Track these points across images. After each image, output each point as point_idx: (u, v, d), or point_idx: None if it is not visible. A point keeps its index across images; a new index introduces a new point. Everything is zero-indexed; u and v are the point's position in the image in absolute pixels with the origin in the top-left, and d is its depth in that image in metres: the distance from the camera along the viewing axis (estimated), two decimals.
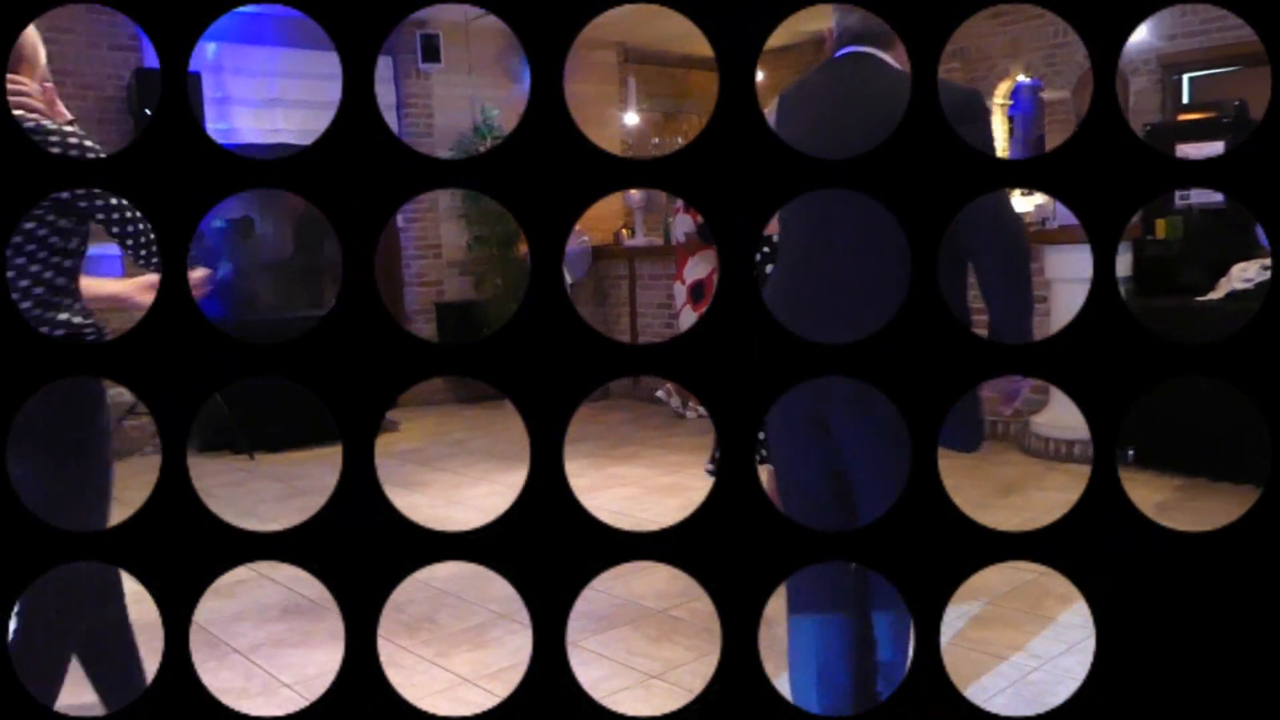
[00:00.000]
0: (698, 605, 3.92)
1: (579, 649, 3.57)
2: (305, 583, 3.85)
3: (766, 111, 1.61)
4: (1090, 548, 1.27)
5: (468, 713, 3.18)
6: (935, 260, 1.24)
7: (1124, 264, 6.22)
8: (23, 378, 1.13)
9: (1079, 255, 5.77)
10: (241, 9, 1.17)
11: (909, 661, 2.63)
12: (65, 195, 2.27)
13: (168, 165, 1.14)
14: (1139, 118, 8.60)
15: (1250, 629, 1.27)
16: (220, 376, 1.17)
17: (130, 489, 2.53)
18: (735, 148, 1.19)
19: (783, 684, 2.64)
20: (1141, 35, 8.37)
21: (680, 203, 7.29)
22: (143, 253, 2.40)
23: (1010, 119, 10.88)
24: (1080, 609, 3.56)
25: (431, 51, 9.17)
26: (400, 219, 9.31)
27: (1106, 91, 1.20)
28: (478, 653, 3.66)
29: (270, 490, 6.19)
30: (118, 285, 2.67)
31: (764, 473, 3.48)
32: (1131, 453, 5.65)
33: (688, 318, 7.87)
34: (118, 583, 2.62)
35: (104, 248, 2.66)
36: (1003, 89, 10.37)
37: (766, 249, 4.06)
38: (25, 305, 2.32)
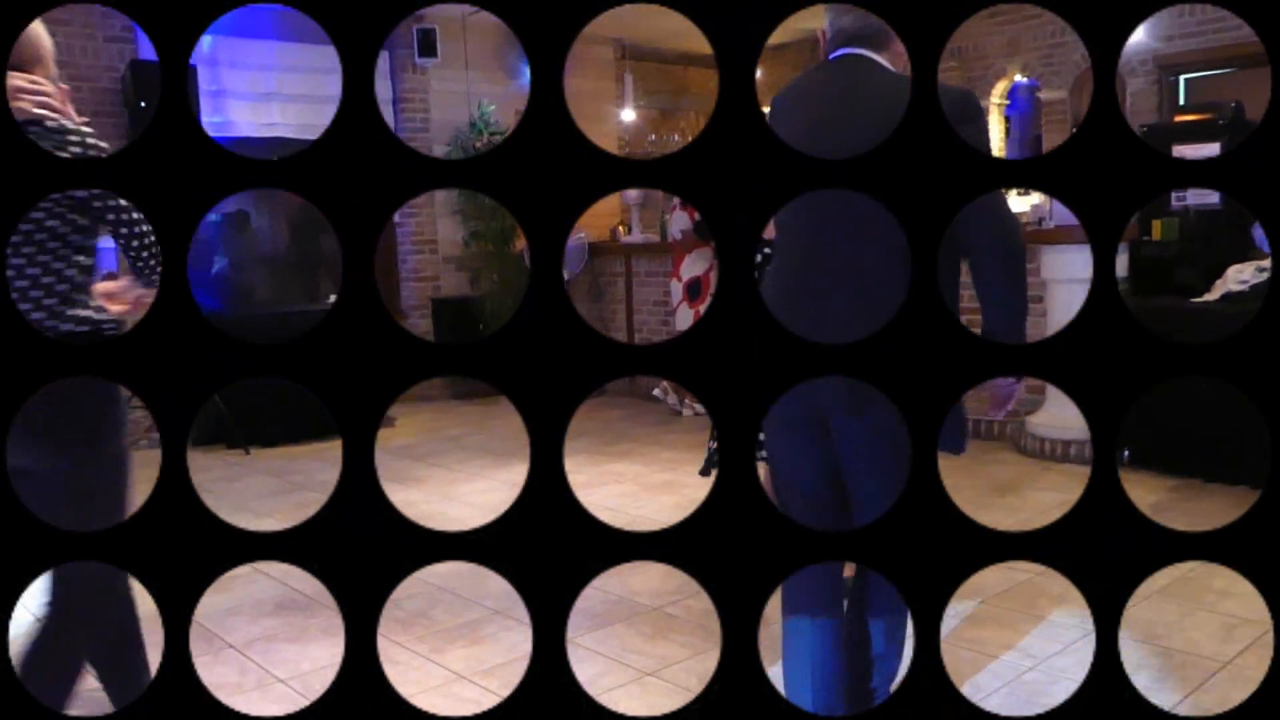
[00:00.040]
0: (693, 602, 3.92)
1: (574, 646, 3.57)
2: (300, 578, 3.85)
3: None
4: (1090, 548, 1.27)
5: (463, 708, 3.19)
6: (935, 260, 1.24)
7: (1120, 265, 6.22)
8: (23, 378, 1.13)
9: (1076, 255, 5.78)
10: None
11: (902, 656, 2.66)
12: (83, 194, 2.28)
13: (167, 165, 1.13)
14: (1136, 118, 8.61)
15: None
16: (220, 376, 1.17)
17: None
18: (735, 148, 1.19)
19: (776, 678, 2.65)
20: (1139, 36, 8.37)
21: (677, 200, 7.31)
22: (141, 263, 2.42)
23: (1007, 119, 10.89)
24: (1074, 608, 3.57)
25: (428, 46, 9.15)
26: (397, 214, 9.30)
27: (1106, 91, 1.20)
28: (473, 649, 3.66)
29: (265, 485, 6.18)
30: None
31: (760, 469, 3.48)
32: (1127, 453, 5.66)
33: (684, 315, 7.87)
34: (125, 578, 2.62)
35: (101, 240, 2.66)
36: (1000, 88, 10.38)
37: (767, 250, 4.06)
38: (50, 302, 2.33)
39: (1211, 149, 6.37)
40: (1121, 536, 1.27)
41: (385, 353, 1.17)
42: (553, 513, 1.20)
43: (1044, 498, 5.32)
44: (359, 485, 1.18)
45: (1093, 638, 1.29)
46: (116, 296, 2.41)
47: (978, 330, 2.43)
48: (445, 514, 5.43)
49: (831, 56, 2.57)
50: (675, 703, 3.17)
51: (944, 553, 1.26)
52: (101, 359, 1.17)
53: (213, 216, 8.27)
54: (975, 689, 3.18)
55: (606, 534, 1.21)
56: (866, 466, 2.55)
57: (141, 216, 2.35)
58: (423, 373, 1.18)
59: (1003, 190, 2.72)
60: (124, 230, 2.37)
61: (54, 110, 2.31)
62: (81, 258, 2.37)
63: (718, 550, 1.23)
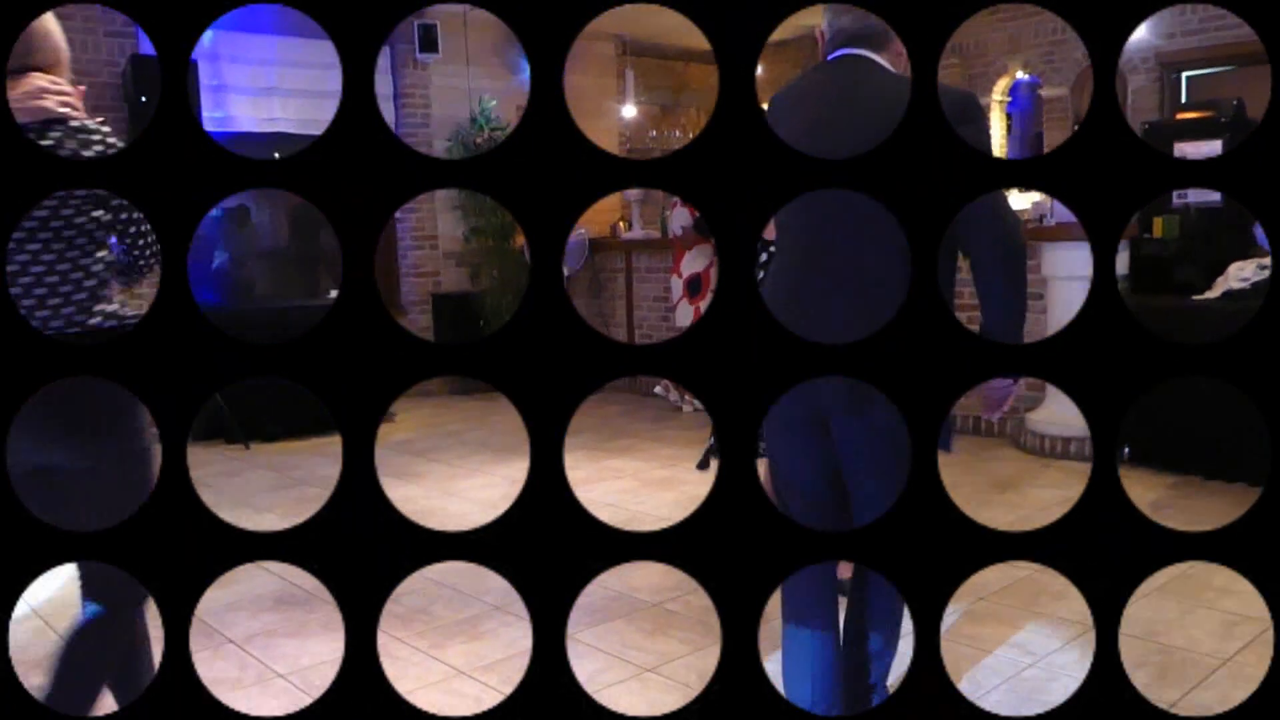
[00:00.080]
0: (692, 599, 3.92)
1: (574, 642, 3.57)
2: (299, 573, 3.86)
3: None
4: (1090, 548, 1.27)
5: (463, 704, 3.19)
6: (935, 260, 1.24)
7: (1121, 263, 6.22)
8: (23, 378, 1.12)
9: (1077, 252, 5.77)
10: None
11: (897, 650, 2.66)
12: (102, 190, 2.31)
13: (167, 165, 1.13)
14: (1137, 116, 8.61)
15: None
16: (220, 376, 1.17)
17: None
18: (735, 148, 1.18)
19: (773, 673, 2.67)
20: (1141, 33, 8.37)
21: (677, 196, 7.30)
22: (143, 260, 2.45)
23: (1008, 116, 10.89)
24: (1074, 605, 3.58)
25: (429, 42, 9.15)
26: (397, 210, 9.29)
27: (1106, 91, 1.20)
28: (472, 645, 3.66)
29: (265, 480, 6.18)
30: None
31: (760, 468, 3.48)
32: (1127, 451, 5.66)
33: (684, 311, 7.88)
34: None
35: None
36: (1001, 86, 10.38)
37: (772, 249, 4.07)
38: (80, 297, 2.35)
39: (1213, 146, 6.36)
40: (1121, 536, 1.27)
41: (385, 352, 1.17)
42: (552, 513, 1.20)
43: (1044, 495, 5.33)
44: (359, 485, 1.18)
45: (1092, 635, 1.29)
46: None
47: (976, 328, 2.43)
48: (445, 509, 5.43)
49: (830, 57, 2.56)
50: (675, 699, 3.18)
51: (944, 553, 1.26)
52: (101, 359, 1.17)
53: (213, 212, 8.24)
54: (975, 686, 3.18)
55: (606, 534, 1.21)
56: (866, 466, 2.55)
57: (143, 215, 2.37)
58: (422, 372, 1.18)
59: (1003, 189, 2.72)
60: (132, 229, 2.39)
61: (76, 110, 2.34)
62: (104, 253, 2.39)
63: (717, 550, 1.23)
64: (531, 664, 1.21)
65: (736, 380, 1.21)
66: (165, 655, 1.19)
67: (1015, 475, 5.75)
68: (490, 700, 3.21)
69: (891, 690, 2.66)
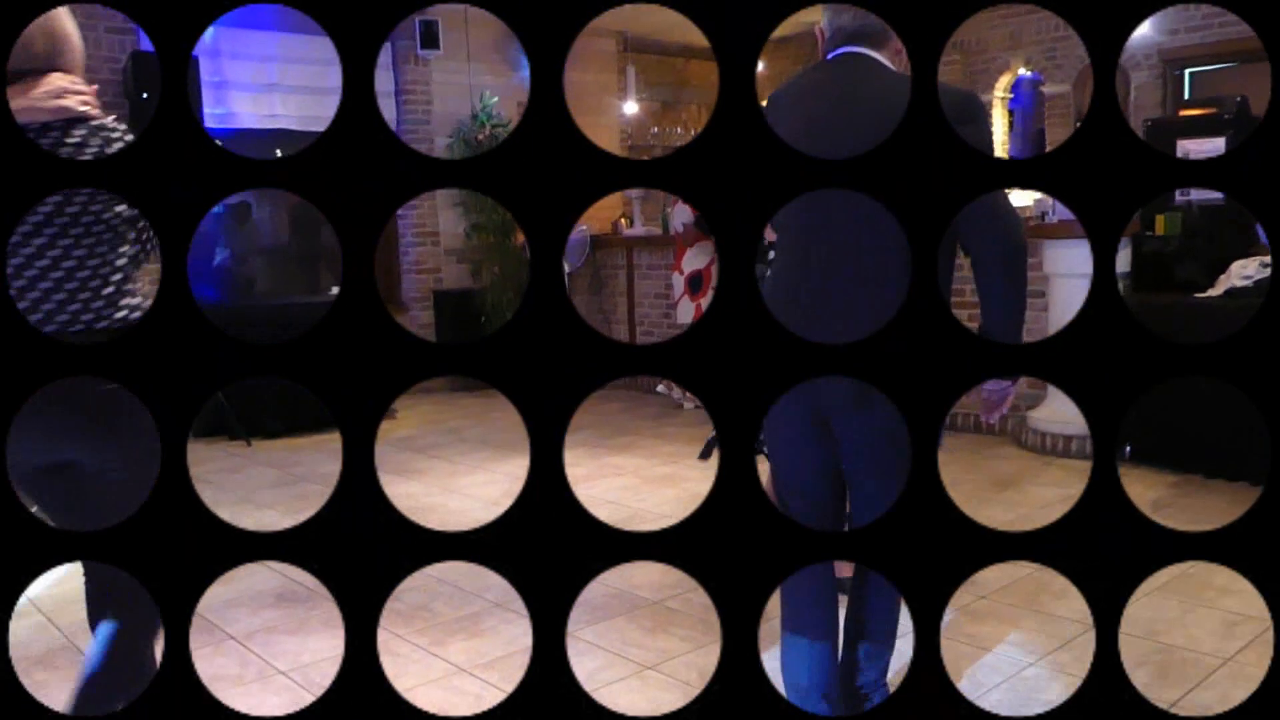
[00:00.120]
0: (693, 597, 3.93)
1: (574, 639, 3.57)
2: (300, 570, 3.86)
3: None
4: (1090, 548, 1.27)
5: (463, 702, 3.20)
6: (935, 260, 1.24)
7: (1122, 260, 6.21)
8: (23, 378, 1.12)
9: (1078, 250, 5.77)
10: None
11: (897, 645, 2.67)
12: (103, 190, 2.33)
13: (167, 165, 1.13)
14: (1140, 113, 8.60)
15: None
16: (220, 376, 1.17)
17: None
18: (735, 148, 1.18)
19: (772, 668, 2.69)
20: (1143, 30, 8.37)
21: (678, 197, 7.30)
22: (154, 250, 2.46)
23: (1010, 112, 10.89)
24: (1075, 604, 3.58)
25: (430, 38, 9.15)
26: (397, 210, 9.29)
27: (1106, 91, 1.20)
28: (473, 641, 3.67)
29: (267, 476, 6.19)
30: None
31: (761, 465, 3.49)
32: (1128, 449, 5.66)
33: (686, 308, 7.88)
34: None
35: None
36: (1003, 82, 10.38)
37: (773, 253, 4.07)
38: (108, 290, 2.36)
39: (1216, 144, 6.35)
40: (1121, 536, 1.27)
41: (385, 353, 1.17)
42: (553, 513, 1.20)
43: (1045, 493, 5.32)
44: (359, 485, 1.18)
45: (1093, 634, 1.29)
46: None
47: (975, 325, 2.43)
48: (446, 506, 5.44)
49: (830, 55, 2.56)
50: (675, 697, 3.19)
51: (944, 553, 1.26)
52: (101, 358, 1.17)
53: (214, 209, 8.26)
54: (975, 684, 3.18)
55: (606, 534, 1.21)
56: (867, 466, 2.56)
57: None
58: (422, 372, 1.18)
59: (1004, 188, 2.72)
60: (140, 222, 2.41)
61: (95, 108, 2.36)
62: (126, 246, 2.41)
63: (717, 550, 1.23)
64: (531, 664, 1.21)
65: (736, 380, 1.21)
66: (165, 654, 1.19)
67: (1016, 473, 5.75)
68: (491, 697, 3.21)
69: (891, 690, 2.66)
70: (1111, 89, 1.19)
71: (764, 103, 2.68)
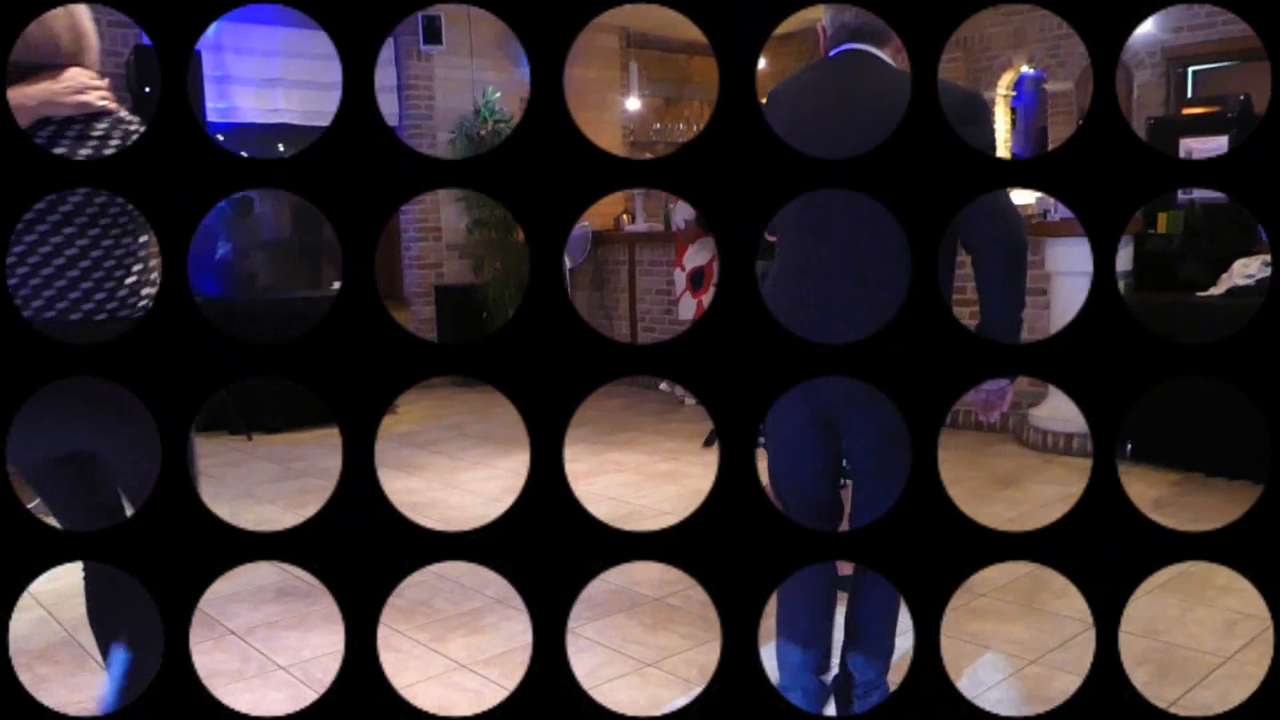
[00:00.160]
0: (693, 594, 3.93)
1: (575, 636, 3.58)
2: None
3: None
4: (1090, 548, 1.27)
5: (464, 698, 3.20)
6: (935, 260, 1.24)
7: (1124, 258, 6.21)
8: (23, 378, 1.13)
9: (1080, 248, 5.76)
10: None
11: (894, 642, 2.68)
12: (103, 190, 2.37)
13: (167, 165, 1.13)
14: (1143, 111, 8.59)
15: None
16: (219, 376, 1.17)
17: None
18: (735, 148, 1.18)
19: (769, 663, 2.74)
20: (1146, 28, 8.36)
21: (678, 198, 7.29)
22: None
23: (1013, 110, 10.88)
24: (1075, 602, 3.57)
25: (433, 33, 9.14)
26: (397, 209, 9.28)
27: (1106, 91, 1.20)
28: (473, 638, 3.67)
29: (267, 471, 6.19)
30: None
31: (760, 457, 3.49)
32: (1129, 447, 5.66)
33: (687, 304, 7.88)
34: None
35: None
36: (1006, 80, 10.37)
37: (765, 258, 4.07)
38: (130, 280, 2.40)
39: (1219, 142, 6.35)
40: (1121, 536, 1.27)
41: (385, 352, 1.17)
42: (553, 513, 1.20)
43: (1045, 491, 5.32)
44: (359, 485, 1.18)
45: (1093, 633, 1.29)
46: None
47: (974, 323, 2.44)
48: (447, 502, 5.44)
49: (834, 52, 2.55)
50: (676, 694, 3.19)
51: (944, 553, 1.26)
52: (101, 358, 1.17)
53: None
54: (975, 683, 3.18)
55: (607, 534, 1.21)
56: (869, 466, 2.56)
57: None
58: (422, 372, 1.18)
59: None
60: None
61: (114, 103, 2.39)
62: (147, 236, 2.45)
63: (717, 550, 1.23)
64: (531, 664, 1.21)
65: (737, 381, 1.21)
66: (166, 654, 1.20)
67: (1017, 471, 5.75)
68: (491, 694, 3.22)
69: (891, 690, 2.66)
70: (1112, 89, 1.19)
71: (763, 99, 2.68)
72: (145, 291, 2.42)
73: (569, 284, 9.40)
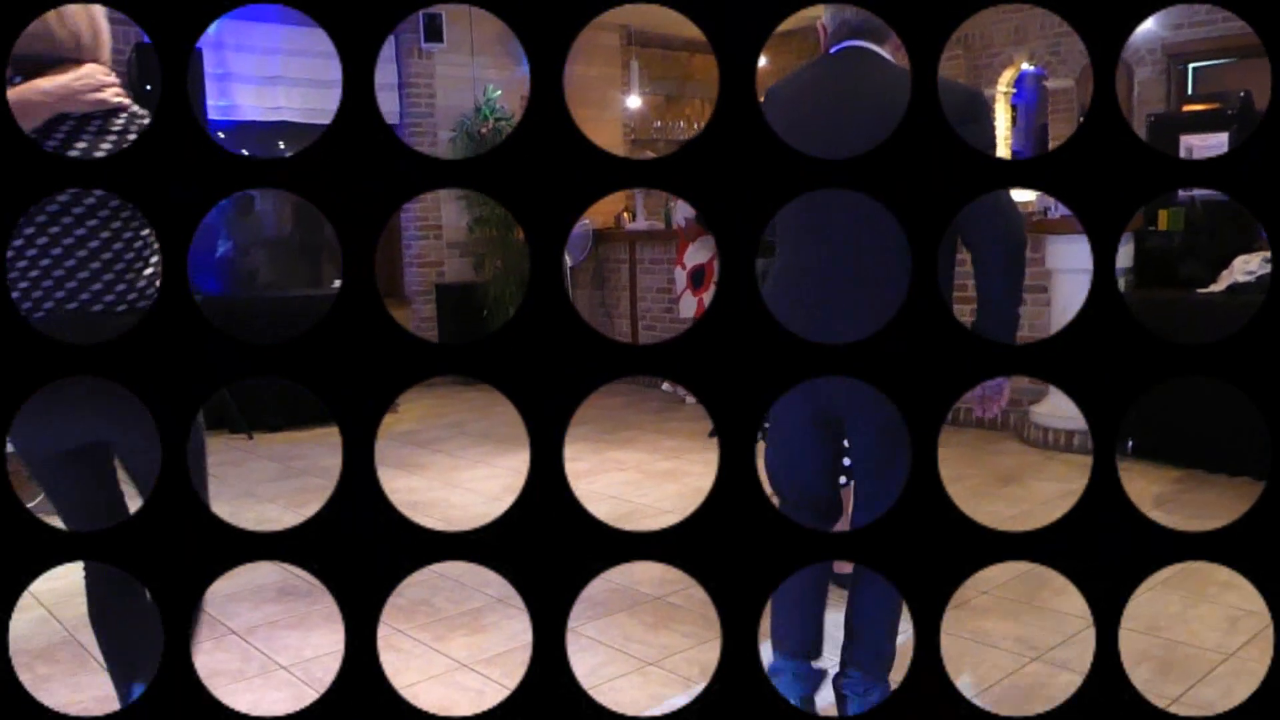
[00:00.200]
0: (694, 592, 3.93)
1: (576, 635, 3.58)
2: None
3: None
4: (1090, 548, 1.27)
5: (465, 697, 3.20)
6: (935, 260, 1.24)
7: (1125, 256, 6.21)
8: (22, 377, 1.13)
9: (1081, 245, 5.75)
10: None
11: (894, 641, 2.68)
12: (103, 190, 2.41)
13: (167, 165, 1.13)
14: (1143, 108, 8.59)
15: None
16: (219, 376, 1.17)
17: (126, 481, 2.55)
18: (735, 147, 1.18)
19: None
20: (1146, 25, 8.36)
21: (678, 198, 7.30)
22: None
23: (1013, 108, 10.87)
24: (1076, 599, 3.57)
25: (434, 31, 9.14)
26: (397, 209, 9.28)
27: (1106, 91, 1.20)
28: (474, 637, 3.67)
29: (268, 470, 6.19)
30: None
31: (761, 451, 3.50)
32: (1130, 444, 5.66)
33: (688, 303, 7.88)
34: None
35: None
36: (1006, 77, 10.36)
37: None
38: (149, 271, 2.44)
39: (1220, 139, 6.35)
40: (1121, 536, 1.27)
41: (385, 352, 1.17)
42: (553, 513, 1.20)
43: (1047, 488, 5.32)
44: (359, 484, 1.18)
45: (1094, 630, 1.29)
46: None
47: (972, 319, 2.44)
48: (448, 500, 5.44)
49: (835, 49, 2.56)
50: (677, 693, 3.19)
51: (944, 553, 1.26)
52: (101, 358, 1.17)
53: None
54: (976, 681, 3.18)
55: (607, 534, 1.21)
56: (869, 465, 2.57)
57: None
58: (423, 372, 1.18)
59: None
60: None
61: (127, 98, 2.42)
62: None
63: (717, 550, 1.23)
64: (531, 664, 1.21)
65: (737, 381, 1.21)
66: (165, 654, 1.20)
67: (1018, 468, 5.75)
68: (492, 693, 3.22)
69: (891, 689, 2.67)
70: (1112, 89, 1.19)
71: (761, 98, 2.68)
72: (158, 283, 2.43)
73: (570, 282, 9.41)
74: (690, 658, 3.43)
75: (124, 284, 2.38)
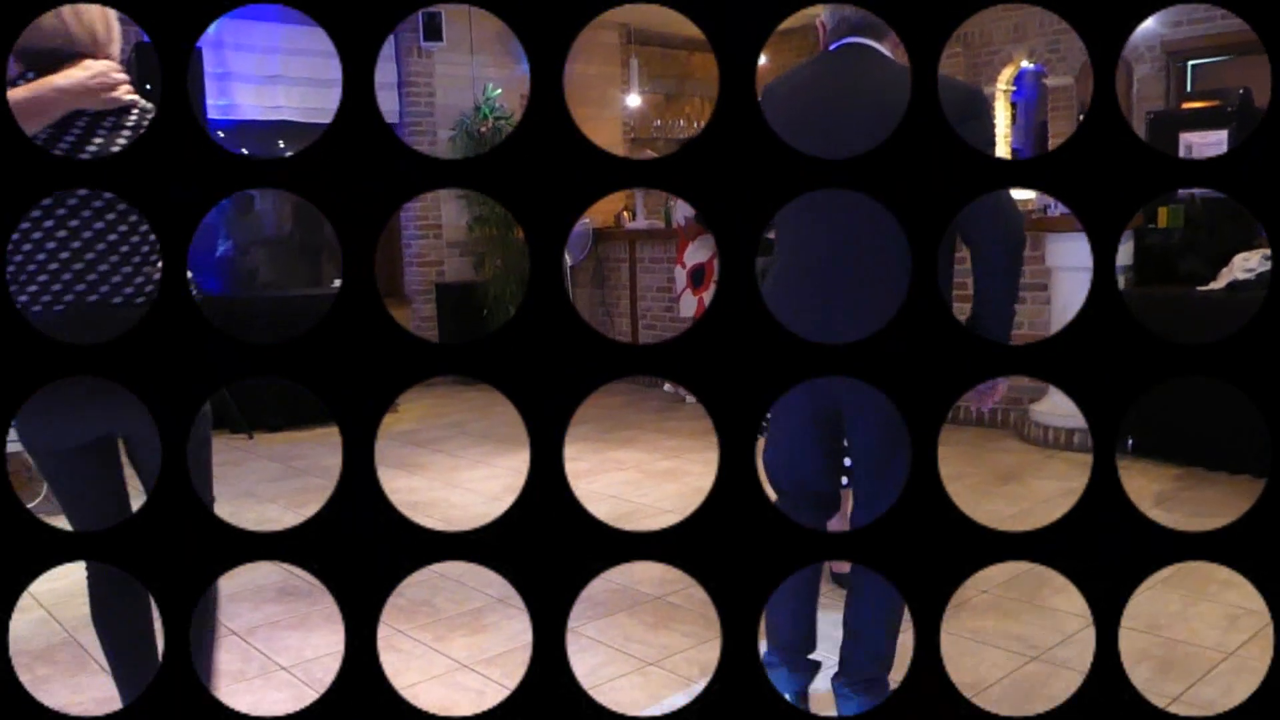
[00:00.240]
0: (694, 592, 3.92)
1: (576, 635, 3.58)
2: None
3: None
4: (1090, 548, 1.27)
5: (465, 698, 3.20)
6: (935, 260, 1.24)
7: (1125, 253, 6.21)
8: (23, 377, 1.13)
9: (1081, 243, 5.75)
10: None
11: (894, 641, 2.68)
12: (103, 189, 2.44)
13: (167, 165, 1.13)
14: (1143, 105, 8.58)
15: None
16: (219, 376, 1.17)
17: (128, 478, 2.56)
18: (735, 147, 1.18)
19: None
20: (1146, 22, 8.35)
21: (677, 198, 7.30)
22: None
23: (1013, 105, 10.86)
24: (1076, 599, 3.56)
25: (433, 30, 9.13)
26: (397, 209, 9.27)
27: (1106, 91, 1.20)
28: (475, 637, 3.67)
29: (268, 470, 6.19)
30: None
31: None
32: (1130, 442, 5.66)
33: (688, 302, 7.88)
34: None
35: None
36: (1006, 75, 10.35)
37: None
38: (149, 270, 2.45)
39: (1219, 136, 6.34)
40: (1121, 536, 1.27)
41: (385, 352, 1.17)
42: (553, 513, 1.20)
43: (1047, 486, 5.32)
44: (359, 484, 1.18)
45: (1093, 630, 1.29)
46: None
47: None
48: (448, 501, 5.44)
49: (834, 46, 2.56)
50: (677, 693, 3.19)
51: (944, 553, 1.26)
52: (101, 358, 1.17)
53: None
54: (975, 681, 3.18)
55: (607, 534, 1.21)
56: (869, 464, 2.57)
57: None
58: (423, 372, 1.18)
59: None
60: None
61: (136, 94, 2.44)
62: None
63: (717, 550, 1.23)
64: (531, 664, 1.21)
65: (736, 381, 1.21)
66: (165, 654, 1.20)
67: (1018, 466, 5.75)
68: (492, 693, 3.22)
69: (891, 689, 2.67)
70: (1111, 88, 1.19)
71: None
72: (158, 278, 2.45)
73: (570, 282, 9.40)
74: (690, 658, 3.43)
75: (142, 276, 2.41)
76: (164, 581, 1.18)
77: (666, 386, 8.59)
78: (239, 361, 1.16)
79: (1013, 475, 5.57)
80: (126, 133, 2.37)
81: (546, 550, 1.21)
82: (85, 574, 2.57)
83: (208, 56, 7.73)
